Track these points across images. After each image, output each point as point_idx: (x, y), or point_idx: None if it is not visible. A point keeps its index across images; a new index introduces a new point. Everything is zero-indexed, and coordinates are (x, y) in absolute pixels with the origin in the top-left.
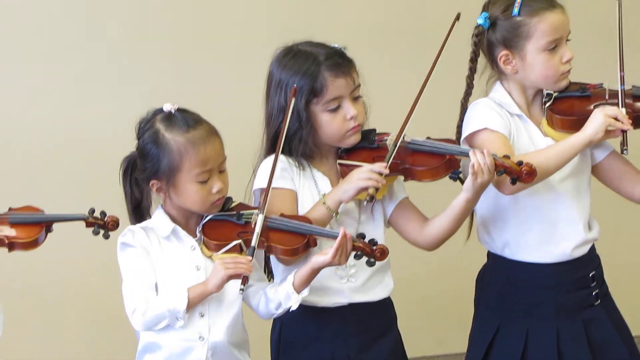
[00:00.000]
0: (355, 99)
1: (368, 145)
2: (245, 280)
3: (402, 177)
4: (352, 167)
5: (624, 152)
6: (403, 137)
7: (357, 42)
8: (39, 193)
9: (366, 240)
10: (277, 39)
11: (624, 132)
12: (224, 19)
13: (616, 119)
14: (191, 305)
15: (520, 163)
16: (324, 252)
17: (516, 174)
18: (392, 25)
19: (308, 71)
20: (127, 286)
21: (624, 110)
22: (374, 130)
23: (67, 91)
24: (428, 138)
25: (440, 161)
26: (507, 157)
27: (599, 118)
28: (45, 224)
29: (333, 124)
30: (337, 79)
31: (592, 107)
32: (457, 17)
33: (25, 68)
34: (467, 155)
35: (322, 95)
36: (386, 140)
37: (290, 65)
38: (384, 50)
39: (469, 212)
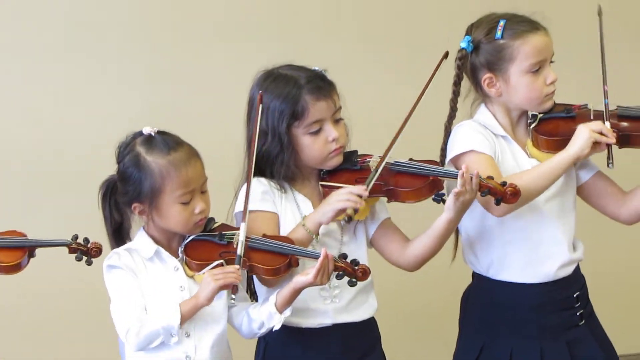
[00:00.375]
0: (337, 121)
1: (351, 166)
2: (235, 289)
3: (385, 199)
4: (334, 189)
5: (610, 166)
6: (383, 167)
7: (344, 63)
8: (20, 205)
9: (348, 260)
10: (267, 60)
11: (609, 146)
12: (217, 28)
13: (601, 133)
14: (184, 320)
15: (504, 184)
16: (305, 273)
17: (500, 195)
18: (380, 45)
19: (289, 95)
20: (118, 307)
21: (608, 124)
22: (356, 151)
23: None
24: (410, 159)
25: (423, 182)
26: (490, 177)
27: (585, 133)
28: (28, 249)
29: (315, 147)
30: (318, 102)
31: (577, 127)
32: (445, 55)
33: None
34: (450, 176)
35: (303, 118)
36: (369, 161)
37: (271, 89)
38: (371, 70)
39: (450, 232)
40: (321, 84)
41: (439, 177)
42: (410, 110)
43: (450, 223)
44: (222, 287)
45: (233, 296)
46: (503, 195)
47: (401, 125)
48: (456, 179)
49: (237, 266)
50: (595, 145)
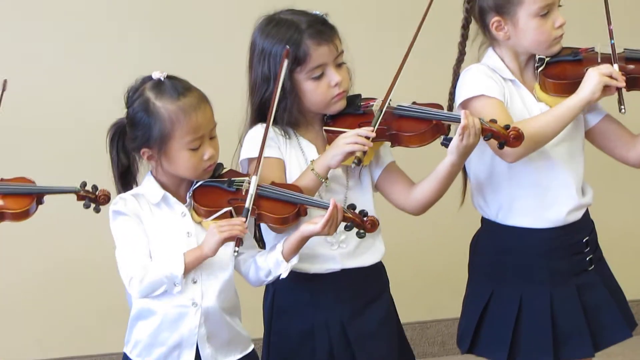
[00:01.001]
0: (339, 65)
1: (354, 111)
2: (239, 242)
3: (388, 143)
4: (338, 133)
5: (622, 110)
6: (389, 103)
7: (343, 8)
8: (25, 163)
9: (356, 211)
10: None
11: (619, 90)
12: None
13: (611, 76)
14: (188, 270)
15: (507, 127)
16: (313, 221)
17: (504, 138)
18: None
19: (291, 39)
20: (122, 254)
21: (617, 66)
22: (359, 95)
23: (54, 64)
24: (414, 103)
25: (427, 126)
26: (493, 121)
27: (594, 77)
28: (37, 196)
29: (317, 92)
30: (320, 46)
31: (584, 70)
32: None
33: (14, 36)
34: (454, 120)
35: (305, 63)
36: (372, 105)
37: (272, 34)
38: (370, 16)
39: (454, 175)
40: (322, 28)
41: (442, 121)
42: (407, 49)
43: (453, 166)
44: (227, 239)
45: (237, 249)
46: (506, 139)
47: (400, 65)
48: (460, 122)
49: (244, 218)
50: (606, 88)
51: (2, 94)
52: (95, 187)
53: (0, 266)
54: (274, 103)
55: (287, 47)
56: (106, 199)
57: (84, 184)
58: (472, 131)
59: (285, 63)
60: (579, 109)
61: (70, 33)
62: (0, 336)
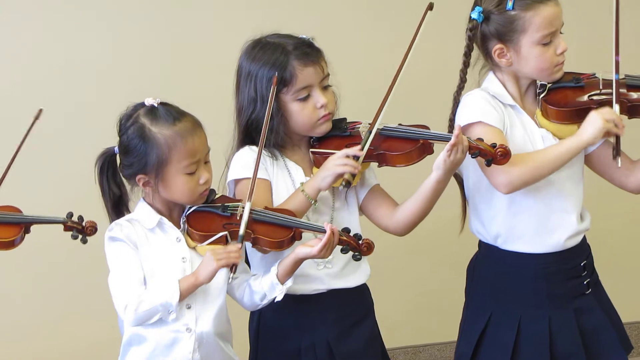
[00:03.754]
0: (325, 88)
1: (340, 133)
2: (234, 269)
3: (373, 165)
4: (325, 155)
5: (617, 158)
6: (375, 129)
7: (330, 29)
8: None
9: (351, 234)
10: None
11: (617, 137)
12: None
13: (615, 124)
14: (183, 298)
15: (494, 145)
16: (309, 244)
17: (491, 156)
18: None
19: (277, 61)
20: (117, 281)
21: (617, 107)
22: (345, 119)
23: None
24: (400, 124)
25: (414, 145)
26: (480, 139)
27: (599, 123)
28: (25, 225)
29: (303, 113)
30: (306, 67)
31: (586, 97)
32: (430, 7)
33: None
34: (440, 139)
35: (291, 84)
36: (359, 127)
37: (259, 57)
38: (361, 39)
39: (439, 193)
40: (308, 50)
41: (429, 140)
42: (399, 66)
43: (439, 183)
44: (222, 267)
45: (232, 275)
46: (494, 157)
47: (391, 84)
48: (446, 142)
49: (239, 245)
50: (606, 133)
51: (33, 122)
52: (81, 218)
53: None
54: (266, 124)
55: (276, 74)
56: (93, 230)
57: (70, 215)
58: (460, 147)
59: (274, 90)
60: (578, 151)
61: (58, 55)
62: None
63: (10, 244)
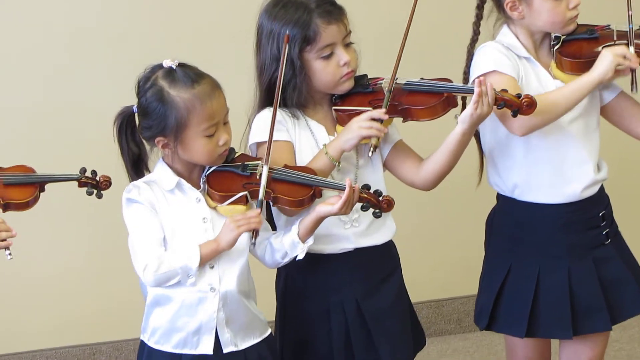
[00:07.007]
0: (347, 45)
1: (362, 89)
2: (256, 234)
3: (396, 120)
4: (348, 112)
5: (634, 90)
6: (396, 80)
7: None
8: (28, 150)
9: (371, 191)
10: None
11: (632, 70)
12: None
13: (625, 57)
14: (203, 262)
15: (519, 95)
16: (329, 202)
17: (517, 106)
18: None
19: (300, 20)
20: (137, 242)
21: (632, 49)
22: (366, 75)
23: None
24: (422, 79)
25: (438, 99)
26: (505, 90)
27: (608, 57)
28: (40, 185)
29: (327, 71)
30: (330, 25)
31: (600, 48)
32: None
33: (15, 22)
34: (464, 91)
35: (315, 42)
36: (381, 83)
37: (281, 15)
38: None
39: (464, 145)
40: (331, 8)
41: (453, 93)
42: (408, 21)
43: (464, 135)
44: (243, 232)
45: (253, 241)
46: (519, 107)
47: (403, 39)
48: (471, 94)
49: (259, 210)
50: (619, 69)
51: None
52: (94, 173)
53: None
54: (279, 86)
55: (287, 32)
56: (107, 184)
57: (83, 170)
58: (486, 100)
59: (286, 48)
60: (592, 87)
61: (70, 26)
62: (18, 324)
63: (25, 205)
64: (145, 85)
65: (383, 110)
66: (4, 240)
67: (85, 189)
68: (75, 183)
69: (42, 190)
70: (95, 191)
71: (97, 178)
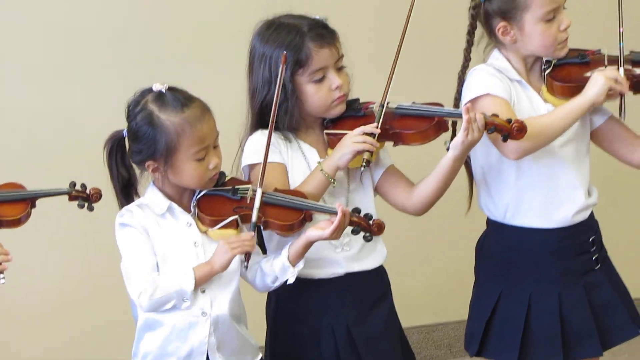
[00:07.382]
0: (340, 69)
1: (354, 113)
2: (248, 257)
3: (388, 145)
4: (339, 136)
5: (622, 116)
6: (387, 104)
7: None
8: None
9: (362, 214)
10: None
11: (622, 96)
12: None
13: (616, 81)
14: (197, 286)
15: (509, 120)
16: (319, 226)
17: (507, 131)
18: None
19: (292, 43)
20: (131, 267)
21: (622, 70)
22: (358, 99)
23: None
24: (414, 103)
25: (429, 123)
26: (496, 115)
27: (600, 80)
28: (31, 201)
29: (319, 95)
30: (322, 49)
31: (591, 73)
32: None
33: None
34: (455, 116)
35: (307, 66)
36: (372, 107)
37: (273, 38)
38: (368, 21)
39: (456, 171)
40: (323, 32)
41: (444, 118)
42: (399, 44)
43: (456, 161)
44: (237, 255)
45: (246, 264)
46: (510, 132)
47: (394, 59)
48: (461, 118)
49: (253, 233)
50: (610, 93)
51: None
52: (84, 186)
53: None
54: (276, 106)
55: (285, 52)
56: (98, 196)
57: (73, 184)
58: (475, 126)
59: (284, 68)
60: (584, 110)
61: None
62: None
63: (17, 222)
64: (135, 109)
65: (375, 124)
66: (0, 263)
67: (77, 202)
68: (66, 197)
69: (34, 206)
70: (86, 204)
71: (88, 191)
